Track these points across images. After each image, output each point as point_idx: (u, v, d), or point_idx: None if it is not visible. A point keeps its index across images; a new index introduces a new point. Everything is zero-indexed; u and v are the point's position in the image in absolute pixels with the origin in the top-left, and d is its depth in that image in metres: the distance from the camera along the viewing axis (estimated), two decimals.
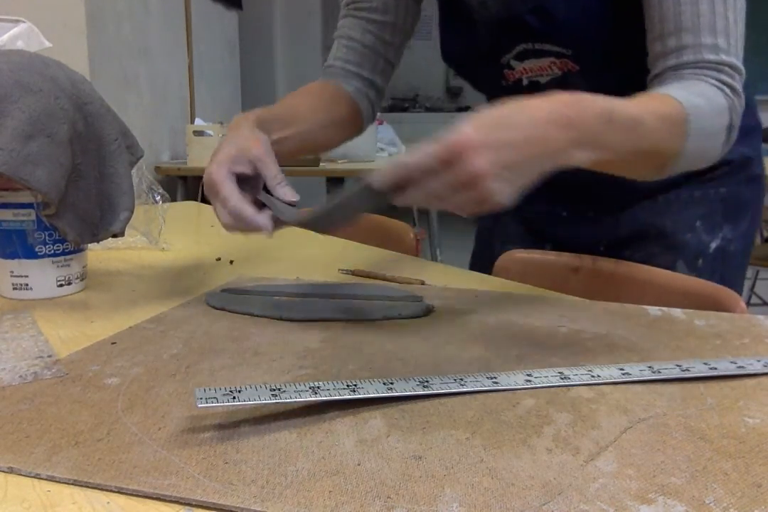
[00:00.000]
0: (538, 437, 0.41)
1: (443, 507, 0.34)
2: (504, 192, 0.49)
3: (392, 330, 0.61)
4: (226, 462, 0.38)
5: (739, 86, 0.68)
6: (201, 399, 0.41)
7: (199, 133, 2.59)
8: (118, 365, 0.52)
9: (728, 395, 0.47)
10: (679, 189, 0.88)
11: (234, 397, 0.42)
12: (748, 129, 0.83)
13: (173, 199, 1.27)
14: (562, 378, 0.49)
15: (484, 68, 0.89)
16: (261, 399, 0.42)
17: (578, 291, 0.79)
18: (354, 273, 0.82)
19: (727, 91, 0.67)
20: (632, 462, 0.38)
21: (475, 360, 0.53)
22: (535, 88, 0.84)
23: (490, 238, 1.07)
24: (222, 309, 0.66)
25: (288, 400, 0.43)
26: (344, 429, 0.42)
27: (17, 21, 1.02)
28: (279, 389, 0.44)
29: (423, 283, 0.77)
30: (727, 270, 0.88)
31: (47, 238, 0.71)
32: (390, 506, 0.34)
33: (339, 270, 0.84)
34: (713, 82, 0.67)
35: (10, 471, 0.37)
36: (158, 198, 0.98)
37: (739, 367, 0.51)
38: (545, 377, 0.49)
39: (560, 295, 0.75)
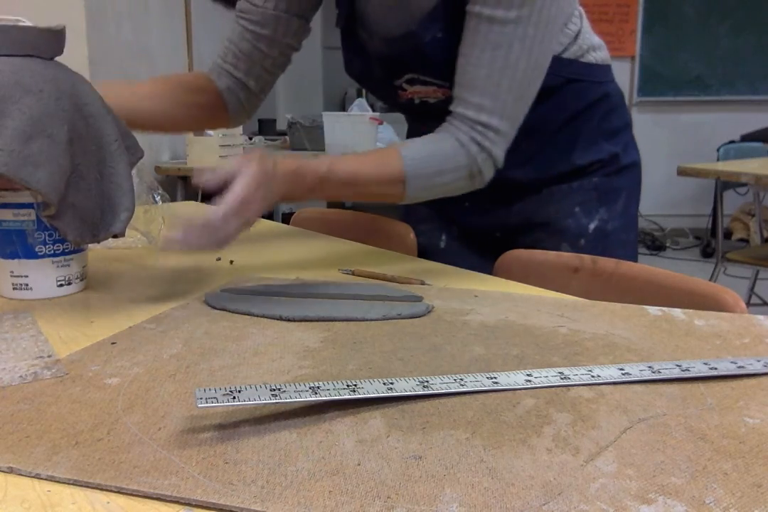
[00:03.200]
0: (538, 437, 0.41)
1: (443, 507, 0.34)
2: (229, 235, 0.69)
3: (392, 330, 0.61)
4: (226, 462, 0.38)
5: (493, 146, 0.82)
6: (201, 399, 0.41)
7: (199, 133, 2.59)
8: (118, 365, 0.52)
9: (728, 395, 0.47)
10: (560, 183, 1.01)
11: (234, 397, 0.42)
12: (616, 129, 1.02)
13: (173, 199, 1.27)
14: (562, 378, 0.49)
15: (379, 87, 1.02)
16: (261, 399, 0.42)
17: (578, 291, 0.79)
18: (354, 273, 0.82)
19: (473, 149, 0.82)
20: (632, 462, 0.38)
21: (475, 360, 0.53)
22: (425, 106, 0.97)
23: (406, 216, 1.20)
24: (222, 309, 0.66)
25: (288, 400, 0.43)
26: (344, 429, 0.42)
27: (17, 21, 1.02)
28: (279, 389, 0.44)
29: (423, 283, 0.77)
30: (608, 245, 1.01)
31: (47, 238, 0.71)
32: (390, 506, 0.34)
33: (339, 270, 0.84)
34: (464, 138, 0.81)
35: (10, 471, 0.37)
36: (158, 198, 0.98)
37: (740, 367, 0.51)
38: (545, 377, 0.49)
39: (560, 295, 0.75)
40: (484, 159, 0.83)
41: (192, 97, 0.98)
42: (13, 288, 0.71)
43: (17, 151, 0.64)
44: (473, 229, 1.11)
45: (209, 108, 1.00)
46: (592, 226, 1.01)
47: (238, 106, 1.03)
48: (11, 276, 0.71)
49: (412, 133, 1.16)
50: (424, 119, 1.03)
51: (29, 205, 0.69)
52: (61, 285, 0.73)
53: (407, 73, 0.94)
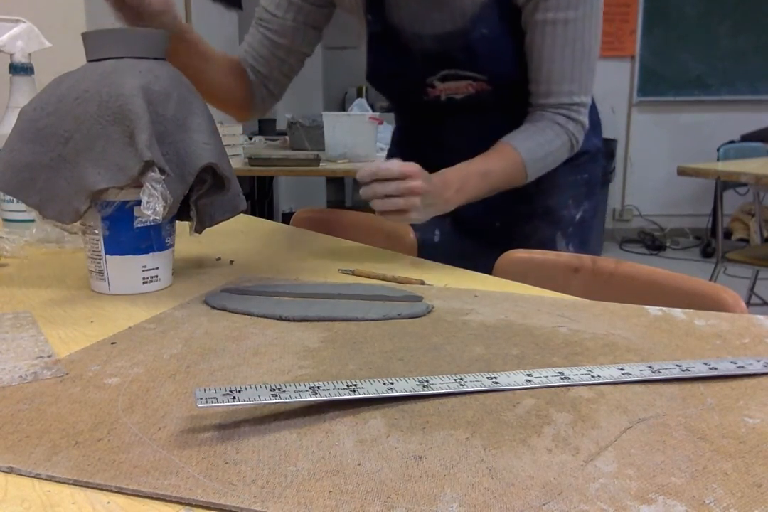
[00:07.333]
0: (538, 437, 0.41)
1: (443, 507, 0.34)
2: (418, 211, 0.83)
3: (392, 330, 0.61)
4: (226, 462, 0.38)
5: (582, 117, 0.99)
6: (201, 399, 0.41)
7: None
8: (118, 365, 0.52)
9: (728, 395, 0.47)
10: (556, 174, 1.07)
11: (234, 397, 0.42)
12: (595, 123, 1.11)
13: None
14: (562, 378, 0.49)
15: (408, 87, 1.07)
16: (261, 399, 0.42)
17: (578, 291, 0.79)
18: (354, 273, 0.82)
19: (571, 125, 0.98)
20: (632, 462, 0.38)
21: (475, 360, 0.53)
22: (451, 102, 1.05)
23: None
24: (222, 309, 0.66)
25: (288, 400, 0.43)
26: (344, 429, 0.42)
27: (17, 21, 1.02)
28: (279, 389, 0.44)
29: (423, 283, 0.77)
30: (585, 233, 1.16)
31: (170, 228, 0.75)
32: (390, 506, 0.34)
33: (339, 270, 0.84)
34: (562, 120, 0.98)
35: (10, 471, 0.37)
36: None
37: (739, 367, 0.51)
38: (545, 377, 0.49)
39: (560, 295, 0.75)
40: (578, 130, 0.99)
41: (242, 73, 1.05)
42: (143, 283, 0.73)
43: (215, 145, 0.72)
44: (471, 219, 1.15)
45: (245, 90, 1.06)
46: (578, 217, 1.14)
47: (260, 101, 1.09)
48: (144, 270, 0.73)
49: (406, 131, 1.22)
50: (440, 116, 1.09)
51: None
52: (173, 272, 0.77)
53: (446, 68, 1.01)
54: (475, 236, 1.16)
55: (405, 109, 1.19)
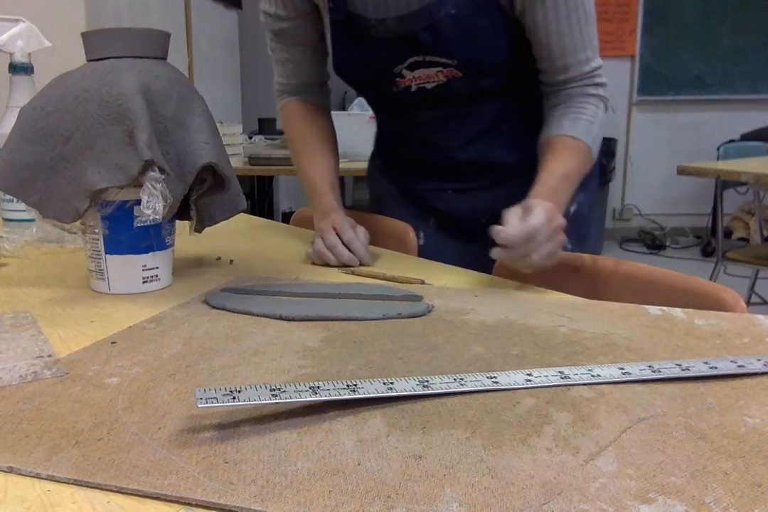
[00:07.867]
0: (538, 437, 0.41)
1: (443, 507, 0.34)
2: (564, 244, 0.79)
3: (392, 330, 0.61)
4: (226, 462, 0.38)
5: (604, 78, 0.98)
6: (201, 399, 0.41)
7: None
8: (118, 365, 0.52)
9: (728, 395, 0.47)
10: None
11: (234, 397, 0.42)
12: None
13: None
14: (562, 378, 0.49)
15: (376, 77, 1.03)
16: (261, 399, 0.42)
17: (578, 291, 0.79)
18: (354, 272, 0.82)
19: (601, 91, 0.97)
20: (632, 462, 0.38)
21: (475, 360, 0.53)
22: (421, 93, 1.00)
23: (378, 205, 1.25)
24: (222, 308, 0.66)
25: (288, 400, 0.43)
26: (344, 429, 0.42)
27: (17, 21, 1.02)
28: (279, 389, 0.44)
29: (423, 283, 0.77)
30: (581, 227, 1.10)
31: (170, 228, 0.75)
32: (390, 506, 0.34)
33: (339, 269, 0.84)
34: (592, 89, 0.97)
35: (10, 471, 0.38)
36: None
37: (740, 366, 0.51)
38: (545, 377, 0.49)
39: (560, 295, 0.75)
40: (606, 90, 0.99)
41: (325, 123, 1.16)
42: (143, 282, 0.73)
43: (215, 144, 0.73)
44: (457, 215, 1.13)
45: (329, 120, 1.17)
46: (572, 209, 1.07)
47: (329, 101, 1.18)
48: (144, 269, 0.73)
49: (385, 131, 1.21)
50: (413, 110, 1.06)
51: None
52: (173, 272, 0.77)
53: (413, 55, 0.96)
54: (462, 236, 1.13)
55: (378, 103, 1.16)
